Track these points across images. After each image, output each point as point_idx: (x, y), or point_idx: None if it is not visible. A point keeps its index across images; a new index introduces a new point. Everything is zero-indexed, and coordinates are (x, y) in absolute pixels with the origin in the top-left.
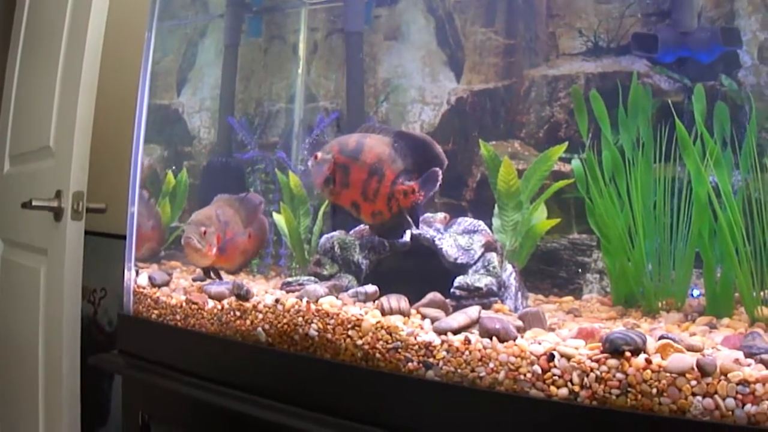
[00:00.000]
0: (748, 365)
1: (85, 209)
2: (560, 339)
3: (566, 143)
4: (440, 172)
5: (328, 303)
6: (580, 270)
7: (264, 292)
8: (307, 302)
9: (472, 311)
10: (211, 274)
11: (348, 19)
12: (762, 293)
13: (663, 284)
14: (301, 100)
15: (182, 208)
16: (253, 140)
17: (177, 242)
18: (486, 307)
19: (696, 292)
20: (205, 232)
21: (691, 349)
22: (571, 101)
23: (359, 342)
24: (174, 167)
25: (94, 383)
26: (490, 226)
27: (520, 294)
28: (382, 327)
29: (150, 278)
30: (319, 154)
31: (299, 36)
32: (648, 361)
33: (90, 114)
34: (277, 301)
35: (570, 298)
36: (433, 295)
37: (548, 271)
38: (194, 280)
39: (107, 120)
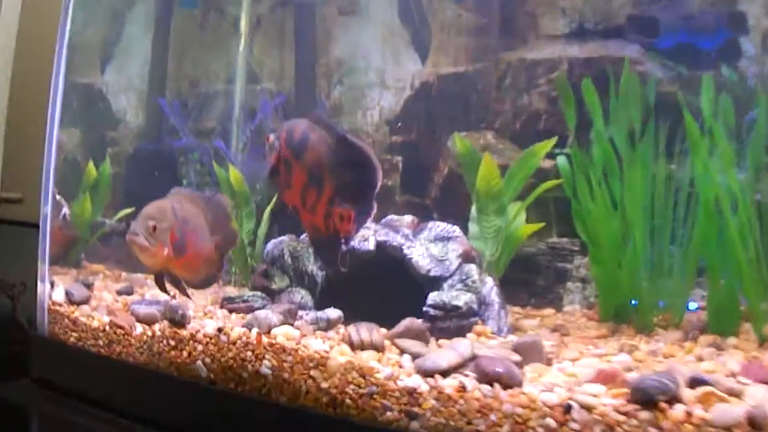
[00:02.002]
0: None
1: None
2: (568, 378)
3: (555, 138)
4: (374, 206)
5: (284, 335)
6: (559, 278)
7: (201, 313)
8: (258, 334)
9: (464, 347)
10: (165, 281)
11: None
12: None
13: (659, 296)
14: (242, 81)
15: (105, 203)
16: (187, 126)
17: (104, 241)
18: (466, 329)
19: (693, 305)
20: (154, 228)
21: (730, 393)
22: (553, 89)
23: (324, 384)
24: (96, 156)
25: None
26: (464, 231)
27: (503, 312)
28: (353, 368)
29: (67, 293)
30: (271, 137)
31: (240, 8)
32: (688, 414)
33: (3, 94)
34: (220, 330)
35: (551, 310)
36: (410, 322)
37: (524, 279)
38: (119, 292)
39: (23, 99)
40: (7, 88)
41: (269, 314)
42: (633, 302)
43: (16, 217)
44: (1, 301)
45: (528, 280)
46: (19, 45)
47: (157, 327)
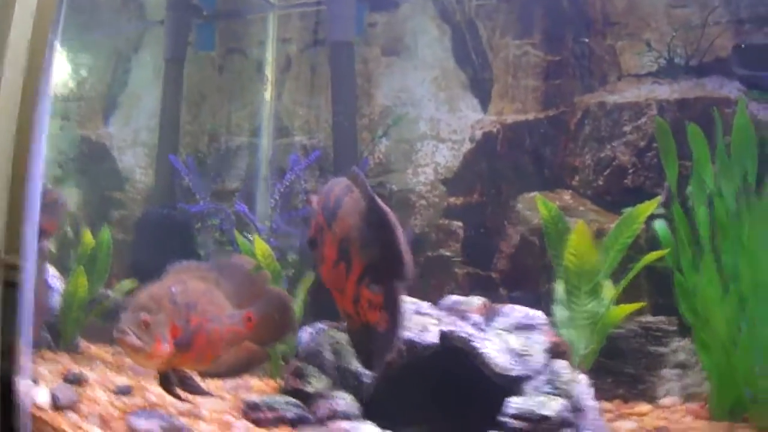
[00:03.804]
0: None
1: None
2: None
3: (658, 198)
4: (403, 297)
5: None
6: (653, 364)
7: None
8: None
9: None
10: (172, 382)
11: (333, 27)
12: None
13: None
14: (269, 134)
15: (105, 276)
16: (204, 186)
17: (107, 318)
18: None
19: None
20: (146, 323)
21: None
22: (641, 138)
23: None
24: (97, 221)
25: None
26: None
27: (600, 420)
28: None
29: (52, 396)
30: (314, 199)
31: (266, 49)
32: None
33: (7, 155)
34: None
35: (647, 406)
36: None
37: (609, 367)
38: (117, 392)
39: (26, 158)
40: (11, 149)
41: None
42: (748, 393)
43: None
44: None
45: (614, 368)
46: (24, 98)
47: None
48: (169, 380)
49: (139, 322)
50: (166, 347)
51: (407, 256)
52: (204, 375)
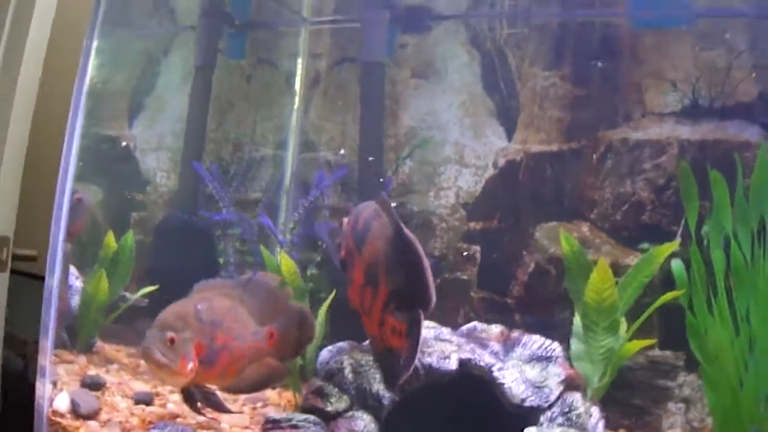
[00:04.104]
0: None
1: (11, 257)
2: None
3: (677, 240)
4: (421, 328)
5: None
6: (660, 397)
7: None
8: None
9: None
10: (196, 398)
11: (365, 46)
12: None
13: None
14: (294, 147)
15: (126, 281)
16: (227, 195)
17: (124, 320)
18: None
19: None
20: (172, 340)
21: None
22: (660, 176)
23: None
24: (117, 222)
25: None
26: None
27: None
28: None
29: (72, 402)
30: (345, 221)
31: (296, 62)
32: None
33: (22, 145)
34: None
35: None
36: None
37: (616, 398)
38: (136, 401)
39: (43, 150)
40: (24, 144)
41: None
42: (753, 430)
43: (32, 270)
44: (12, 359)
45: (622, 399)
46: (40, 95)
47: None
48: (193, 396)
49: (165, 340)
50: (191, 365)
51: (432, 287)
52: (225, 390)
